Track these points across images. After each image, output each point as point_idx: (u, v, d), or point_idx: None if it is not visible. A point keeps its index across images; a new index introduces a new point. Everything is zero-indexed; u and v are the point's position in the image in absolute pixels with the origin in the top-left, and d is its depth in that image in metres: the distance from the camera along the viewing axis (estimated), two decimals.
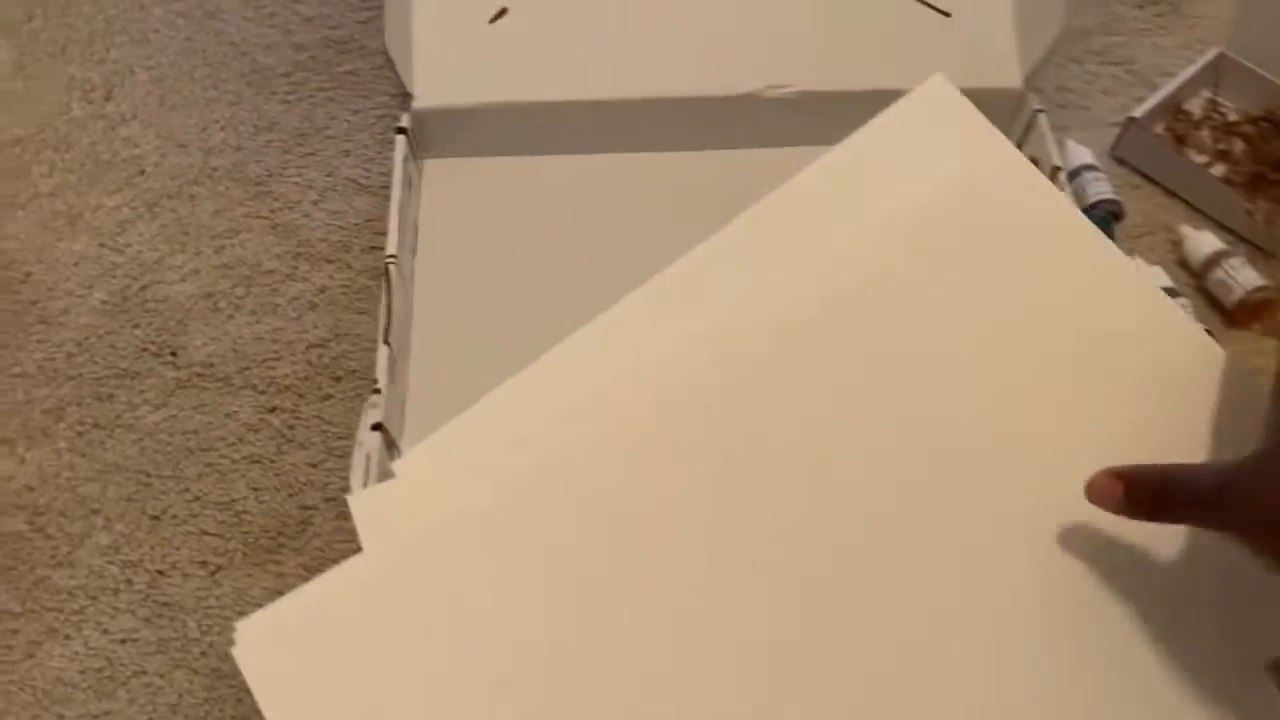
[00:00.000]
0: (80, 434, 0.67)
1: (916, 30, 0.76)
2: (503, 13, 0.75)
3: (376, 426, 0.61)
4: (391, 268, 0.67)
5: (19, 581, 0.62)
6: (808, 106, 0.77)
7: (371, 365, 0.68)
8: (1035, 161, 0.75)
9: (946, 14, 0.76)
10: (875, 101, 0.76)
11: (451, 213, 0.76)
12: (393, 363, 0.65)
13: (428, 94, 0.74)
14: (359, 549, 0.58)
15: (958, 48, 0.77)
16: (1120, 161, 0.80)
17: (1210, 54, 0.81)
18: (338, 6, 0.89)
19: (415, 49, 0.74)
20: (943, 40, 0.76)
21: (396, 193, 0.70)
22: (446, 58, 0.74)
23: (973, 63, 0.77)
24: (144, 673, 0.59)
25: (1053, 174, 0.73)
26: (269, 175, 0.79)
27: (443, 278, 0.73)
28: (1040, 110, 0.75)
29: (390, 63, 0.74)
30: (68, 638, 0.60)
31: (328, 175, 0.79)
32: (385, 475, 0.61)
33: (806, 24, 0.76)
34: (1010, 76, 0.76)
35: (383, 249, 0.72)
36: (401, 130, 0.73)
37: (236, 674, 0.58)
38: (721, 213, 0.75)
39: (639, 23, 0.76)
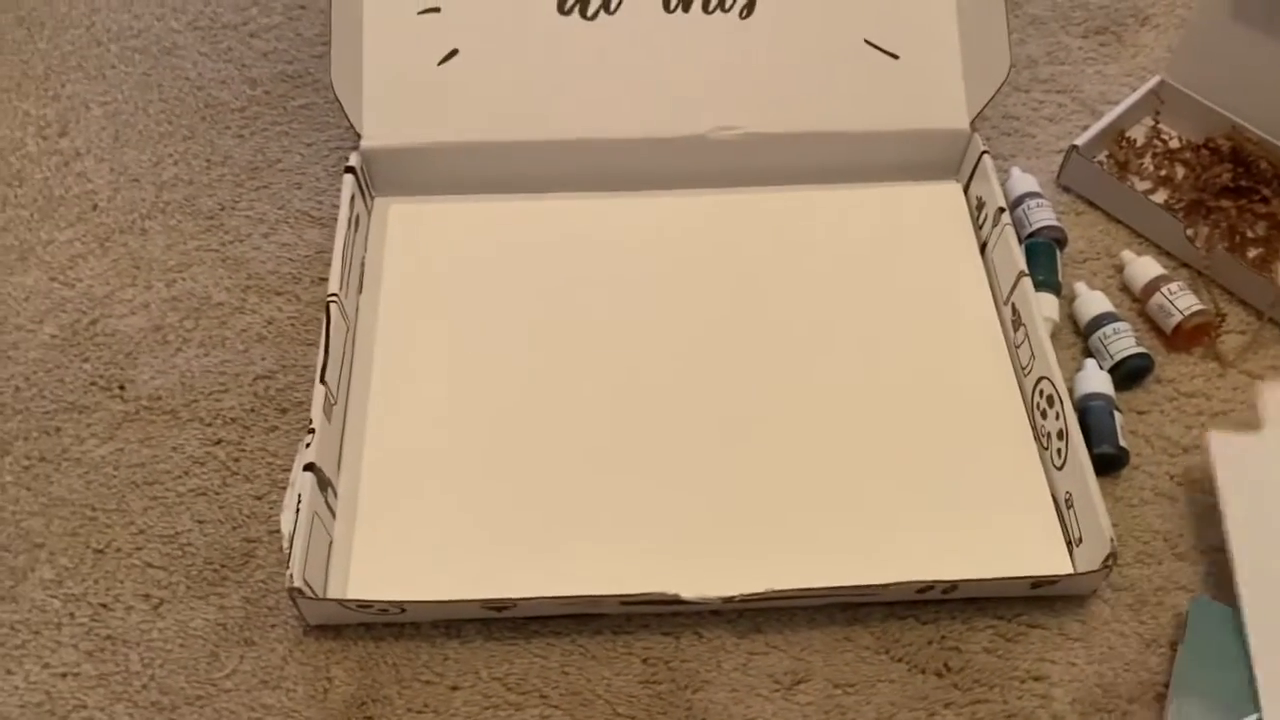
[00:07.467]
0: (26, 468, 0.67)
1: (865, 72, 0.76)
2: (453, 54, 0.75)
3: (309, 467, 0.61)
4: (333, 306, 0.67)
5: None
6: (755, 148, 0.77)
7: None
8: (981, 202, 0.76)
9: (895, 56, 0.76)
10: (821, 143, 0.77)
11: (400, 251, 0.76)
12: (329, 403, 0.65)
13: (377, 134, 0.75)
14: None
15: (906, 90, 0.77)
16: (1065, 188, 0.81)
17: (1152, 82, 0.82)
18: (293, 42, 0.90)
19: (365, 89, 0.75)
20: (891, 82, 0.77)
21: (341, 231, 0.70)
22: (396, 98, 0.75)
23: (921, 104, 0.77)
24: (84, 707, 0.59)
25: (997, 215, 0.73)
26: (221, 209, 0.79)
27: (390, 315, 0.73)
28: (986, 152, 0.76)
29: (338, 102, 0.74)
30: (9, 672, 0.60)
31: (279, 208, 0.79)
32: (315, 513, 0.61)
33: (755, 66, 0.76)
34: (958, 118, 0.77)
35: None
36: (350, 170, 0.73)
37: (176, 707, 0.59)
38: (661, 253, 0.75)
39: (587, 64, 0.76)
